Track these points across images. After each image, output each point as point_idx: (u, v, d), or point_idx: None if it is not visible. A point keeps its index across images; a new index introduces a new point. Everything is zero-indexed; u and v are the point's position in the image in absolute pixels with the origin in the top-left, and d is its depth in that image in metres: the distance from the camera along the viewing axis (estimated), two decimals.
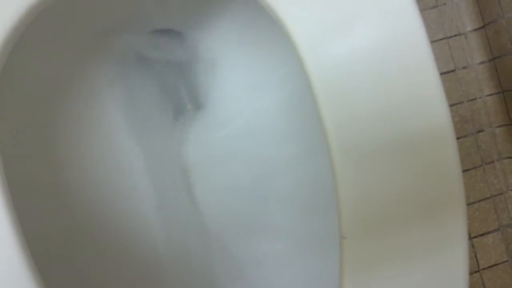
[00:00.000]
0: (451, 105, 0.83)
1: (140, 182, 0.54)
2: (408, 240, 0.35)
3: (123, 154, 0.54)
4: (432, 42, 0.83)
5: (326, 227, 0.48)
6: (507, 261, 0.83)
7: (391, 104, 0.35)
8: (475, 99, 0.84)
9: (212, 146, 0.57)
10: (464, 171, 0.83)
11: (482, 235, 0.83)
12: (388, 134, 0.34)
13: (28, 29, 0.34)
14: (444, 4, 0.84)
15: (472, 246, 0.82)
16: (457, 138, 0.83)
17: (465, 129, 0.83)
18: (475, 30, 0.84)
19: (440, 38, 0.83)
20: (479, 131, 0.84)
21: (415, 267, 0.35)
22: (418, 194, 0.35)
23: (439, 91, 0.35)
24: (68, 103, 0.50)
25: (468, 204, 0.82)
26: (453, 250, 0.35)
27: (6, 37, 0.33)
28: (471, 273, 0.83)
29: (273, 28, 0.38)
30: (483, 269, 0.83)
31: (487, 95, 0.84)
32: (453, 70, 0.83)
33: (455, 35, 0.84)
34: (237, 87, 0.56)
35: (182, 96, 0.58)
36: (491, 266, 0.83)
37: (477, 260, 0.82)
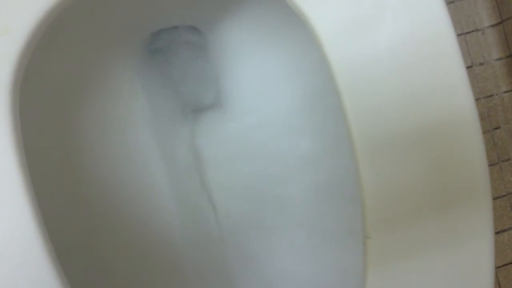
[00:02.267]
0: None
1: (157, 176, 0.54)
2: (432, 234, 0.34)
3: (141, 148, 0.54)
4: None
5: (340, 221, 0.48)
6: None
7: (416, 95, 0.34)
8: (492, 95, 0.83)
9: (228, 140, 0.57)
10: None
11: (497, 233, 0.82)
12: (413, 124, 0.34)
13: (51, 27, 0.35)
14: None
15: None
16: None
17: (481, 126, 0.82)
18: (492, 26, 0.83)
19: (457, 34, 0.82)
20: (496, 128, 0.83)
21: (439, 261, 0.35)
22: (442, 186, 0.35)
23: (464, 82, 0.34)
24: (89, 99, 0.50)
25: None
26: (478, 244, 0.35)
27: (31, 35, 0.33)
28: None
29: (292, 24, 0.38)
30: (498, 267, 0.82)
31: (504, 92, 0.83)
32: (470, 66, 0.82)
33: (472, 31, 0.83)
34: (254, 82, 0.56)
35: (200, 90, 0.58)
36: (507, 264, 0.82)
37: None
